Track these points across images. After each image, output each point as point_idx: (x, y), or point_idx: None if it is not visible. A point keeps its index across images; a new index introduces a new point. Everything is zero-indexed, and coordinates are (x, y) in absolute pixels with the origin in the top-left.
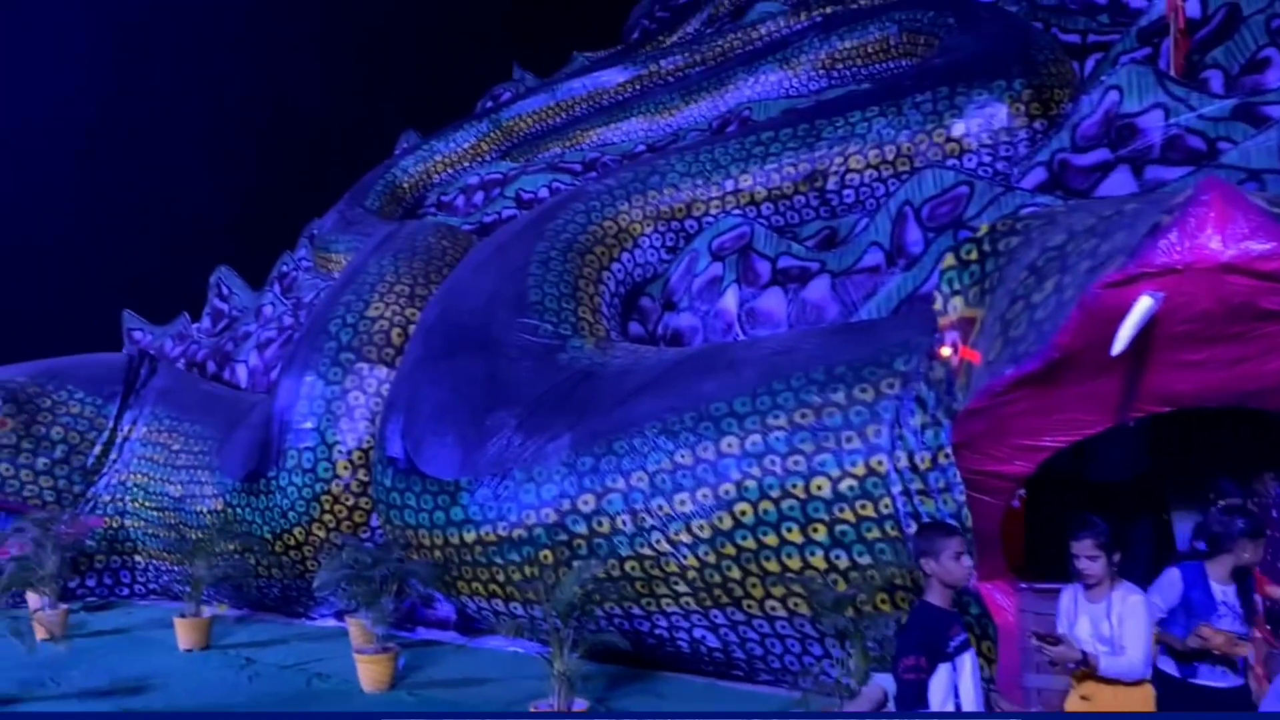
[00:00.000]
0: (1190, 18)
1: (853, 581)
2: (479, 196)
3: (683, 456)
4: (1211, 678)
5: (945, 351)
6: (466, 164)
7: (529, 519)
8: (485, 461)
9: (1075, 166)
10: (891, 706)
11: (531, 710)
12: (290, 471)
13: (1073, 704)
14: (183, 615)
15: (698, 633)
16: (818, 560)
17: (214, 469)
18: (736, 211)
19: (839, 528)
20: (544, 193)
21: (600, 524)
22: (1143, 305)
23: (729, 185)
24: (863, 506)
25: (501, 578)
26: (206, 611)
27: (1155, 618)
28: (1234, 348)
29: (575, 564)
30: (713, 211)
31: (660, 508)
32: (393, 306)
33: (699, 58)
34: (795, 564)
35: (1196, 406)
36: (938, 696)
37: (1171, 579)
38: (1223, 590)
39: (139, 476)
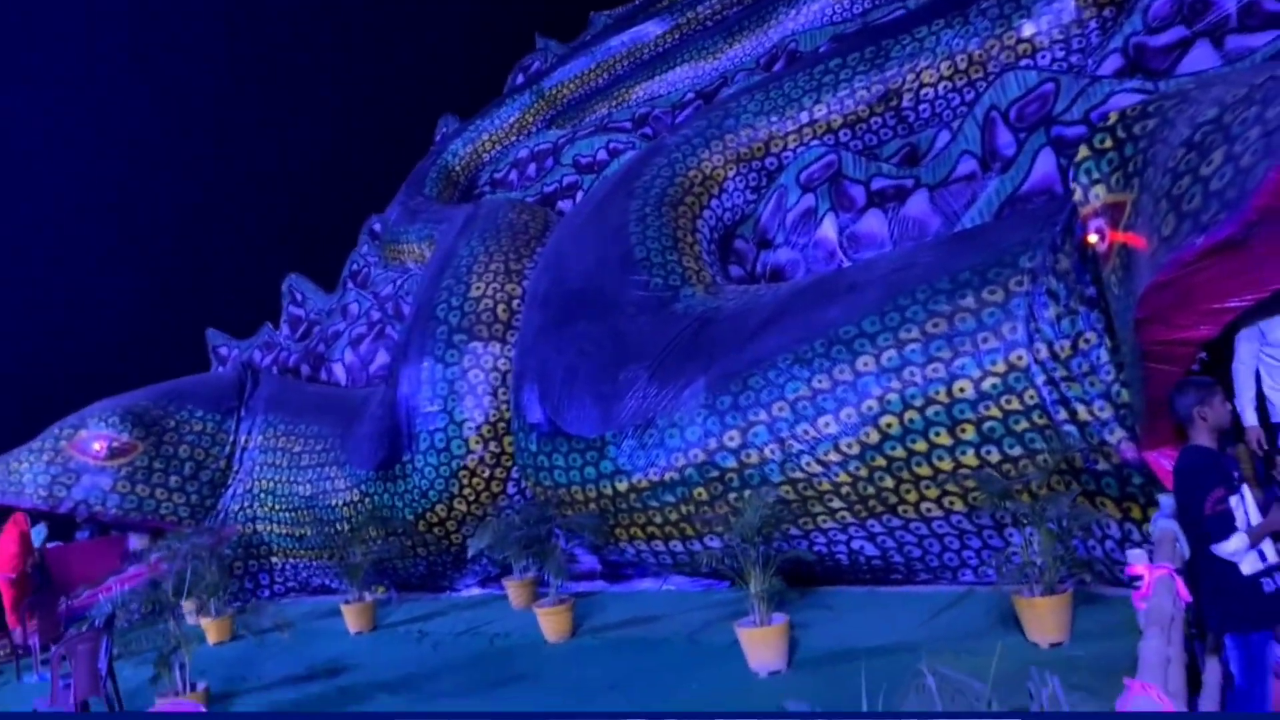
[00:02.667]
0: None
1: (1006, 473)
2: (531, 168)
3: (820, 381)
4: None
5: (1092, 239)
6: (514, 138)
7: (679, 461)
8: (626, 415)
9: (1152, 48)
10: (1182, 545)
11: (736, 628)
12: (425, 453)
13: None
14: (347, 602)
15: (855, 544)
16: (969, 459)
17: (342, 464)
18: (815, 143)
19: (987, 425)
20: (602, 154)
21: (749, 456)
22: None
23: (804, 117)
24: (1008, 401)
25: (659, 519)
26: (368, 596)
27: None
28: None
29: (749, 493)
30: (791, 146)
31: (806, 432)
32: (493, 285)
33: None
34: (947, 465)
35: None
36: (1240, 518)
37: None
38: None
39: (264, 482)
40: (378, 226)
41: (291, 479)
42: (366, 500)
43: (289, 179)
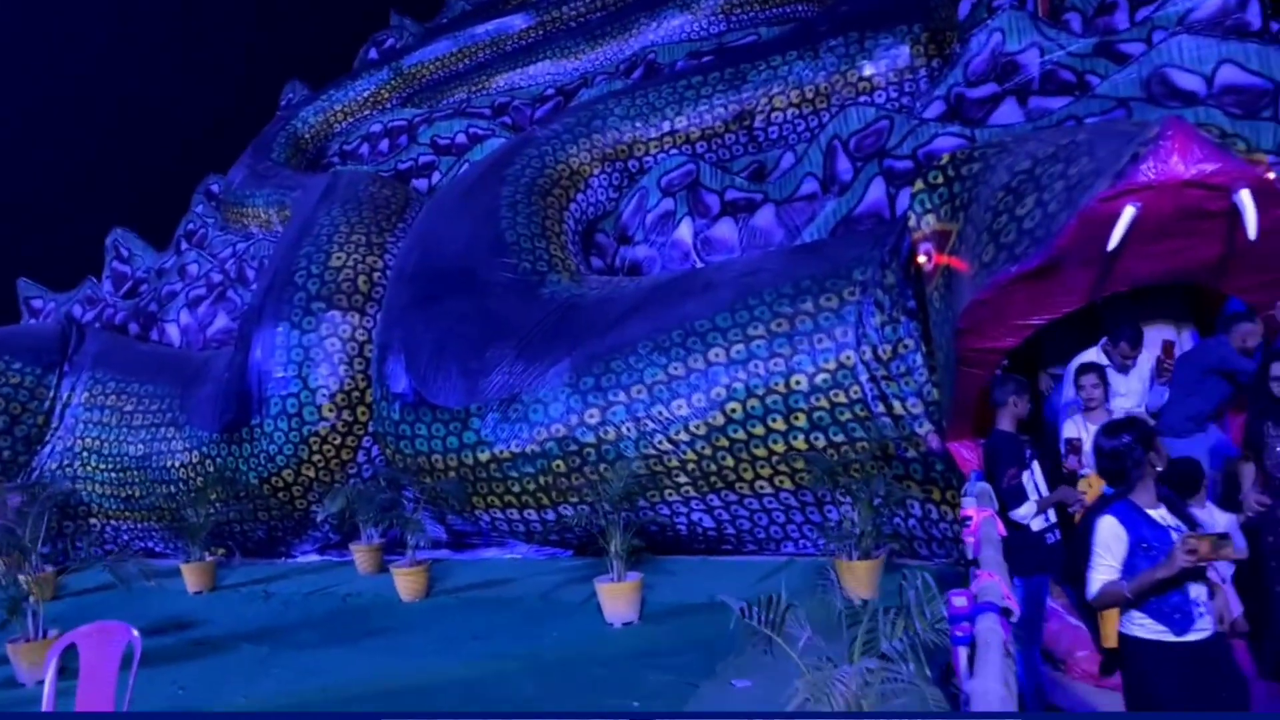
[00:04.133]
0: None
1: (830, 457)
2: (384, 143)
3: (675, 369)
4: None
5: (921, 259)
6: (367, 112)
7: (540, 435)
8: (492, 390)
9: (969, 99)
10: (993, 503)
11: (595, 583)
12: (275, 418)
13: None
14: (187, 561)
15: (695, 516)
16: (800, 443)
17: (181, 425)
18: (674, 151)
19: (817, 414)
20: (461, 138)
21: (607, 433)
22: (1129, 213)
23: (666, 126)
24: (836, 395)
25: (517, 489)
26: (208, 557)
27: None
28: (1180, 241)
29: (604, 466)
30: (652, 151)
31: (660, 413)
32: (354, 256)
33: (599, 3)
34: (781, 448)
35: (1148, 284)
36: (1030, 489)
37: (1111, 528)
38: (1158, 516)
39: (89, 441)
40: (215, 188)
41: (121, 438)
42: (208, 462)
43: (117, 132)
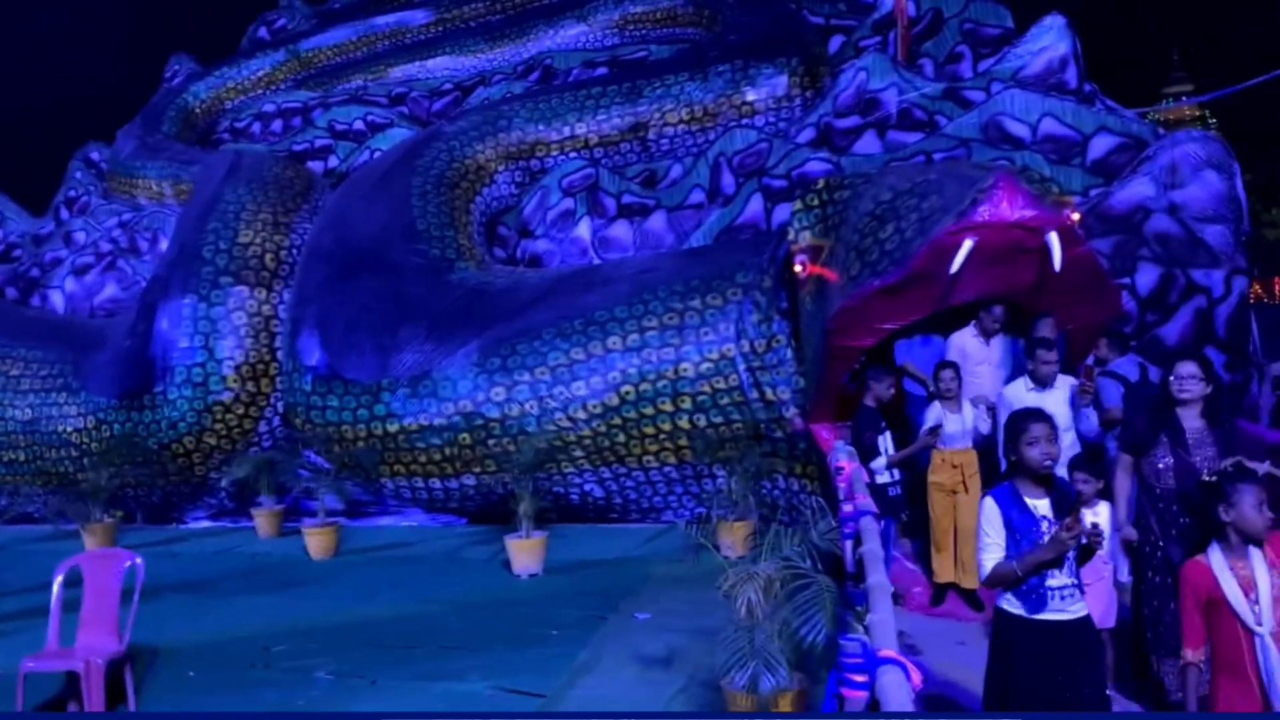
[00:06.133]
0: (910, 16)
1: (710, 436)
2: (277, 124)
3: (576, 353)
4: (1062, 605)
5: (797, 268)
6: (260, 91)
7: (448, 410)
8: (403, 366)
9: (837, 129)
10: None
11: (506, 540)
12: (179, 386)
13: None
14: (87, 521)
15: (588, 487)
16: (684, 423)
17: (75, 390)
18: (573, 154)
19: (700, 398)
20: (359, 124)
21: (511, 409)
22: (968, 245)
23: (567, 131)
24: (717, 382)
25: (424, 459)
26: (107, 518)
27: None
28: (1006, 268)
29: (507, 440)
30: (553, 153)
31: (560, 393)
32: (261, 234)
33: (499, 6)
34: (668, 427)
35: (978, 300)
36: (883, 451)
37: (990, 509)
38: (1035, 505)
39: None
40: (95, 155)
41: (6, 402)
42: (104, 428)
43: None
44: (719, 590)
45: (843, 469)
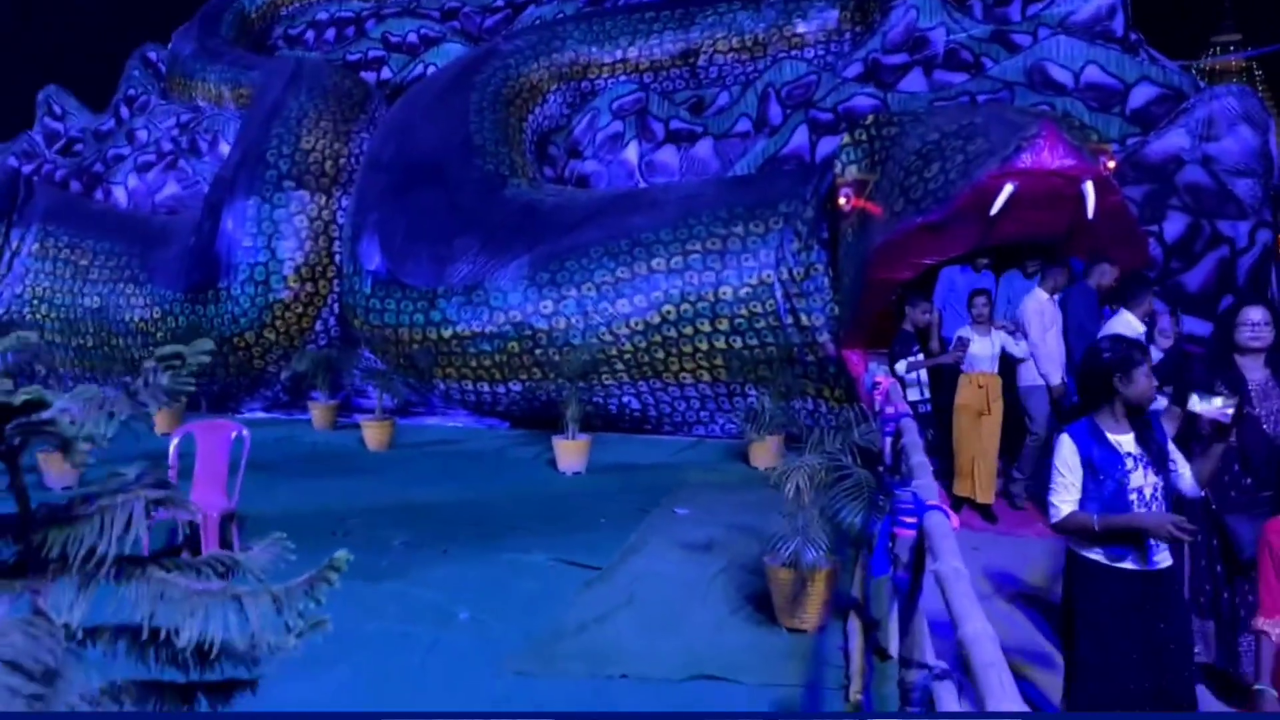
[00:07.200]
0: None
1: (744, 356)
2: (330, 32)
3: (622, 272)
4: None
5: (841, 200)
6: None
7: (499, 319)
8: (458, 275)
9: (884, 65)
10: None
11: (553, 440)
12: (243, 283)
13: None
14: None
15: (625, 399)
16: (721, 343)
17: (142, 283)
18: (623, 77)
19: (737, 320)
20: (412, 38)
21: (558, 322)
22: (1008, 189)
23: (619, 54)
24: (754, 306)
25: (474, 364)
26: (174, 404)
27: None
28: (1043, 212)
29: (553, 350)
30: (604, 75)
31: (605, 309)
32: (321, 141)
33: None
34: (705, 346)
35: (1014, 242)
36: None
37: (1067, 446)
38: (1119, 441)
39: (38, 290)
40: (153, 55)
41: (75, 290)
42: (170, 319)
43: None
44: (770, 481)
45: (879, 383)
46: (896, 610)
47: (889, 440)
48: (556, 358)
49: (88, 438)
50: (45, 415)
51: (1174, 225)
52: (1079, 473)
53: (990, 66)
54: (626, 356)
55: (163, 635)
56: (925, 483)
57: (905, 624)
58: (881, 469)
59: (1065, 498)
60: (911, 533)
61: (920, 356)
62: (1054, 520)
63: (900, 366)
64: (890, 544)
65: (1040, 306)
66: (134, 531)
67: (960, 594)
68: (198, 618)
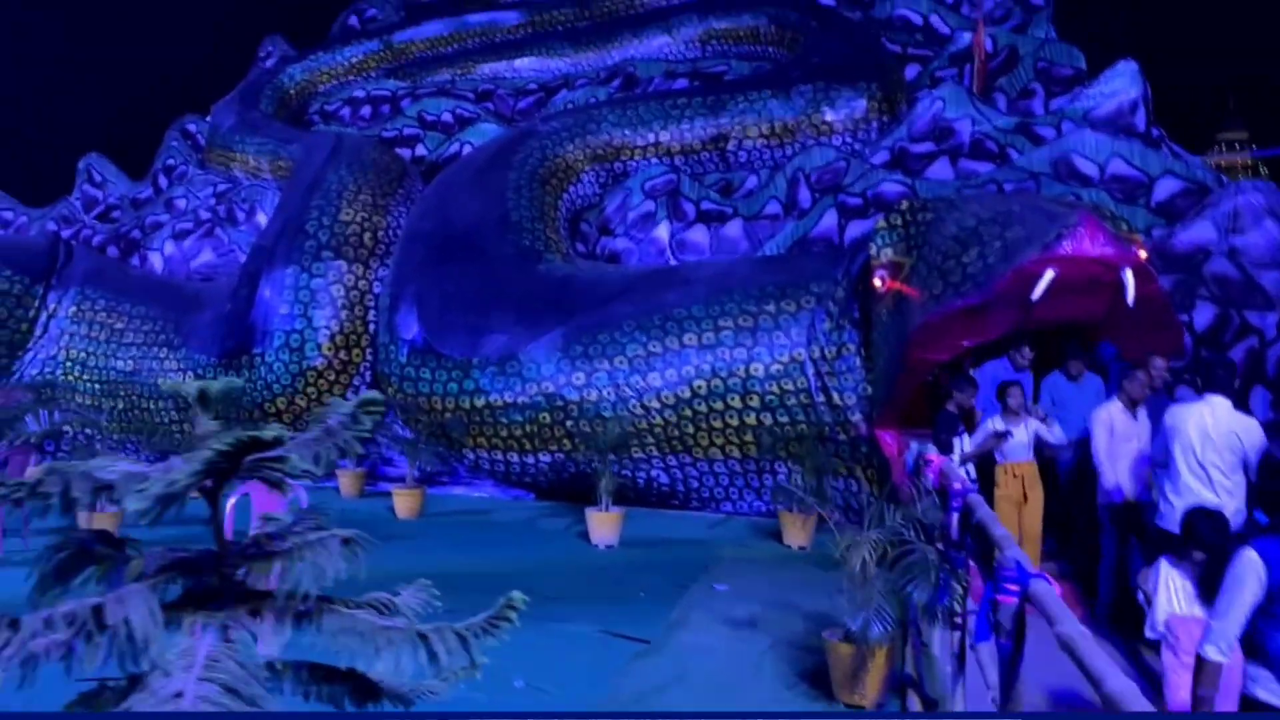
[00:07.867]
0: (987, 51)
1: (775, 434)
2: (366, 110)
3: (654, 346)
4: None
5: (876, 282)
6: (351, 78)
7: (531, 390)
8: (493, 346)
9: (911, 153)
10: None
11: (586, 511)
12: (278, 350)
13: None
14: None
15: (654, 473)
16: (751, 420)
17: (176, 347)
18: (655, 160)
19: (768, 397)
20: (447, 117)
21: (589, 394)
22: (1049, 275)
23: (651, 138)
24: (786, 383)
25: (505, 434)
26: None
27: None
28: (1081, 298)
29: (584, 423)
30: (636, 158)
31: (637, 382)
32: (360, 213)
33: (587, 13)
34: (735, 422)
35: (1052, 326)
36: (958, 450)
37: (1251, 564)
38: None
39: (74, 352)
40: (192, 126)
41: (109, 353)
42: None
43: (92, 64)
44: (835, 554)
45: (931, 461)
46: (998, 677)
47: (955, 517)
48: (587, 429)
49: (305, 473)
50: (277, 452)
51: (1203, 314)
52: (1254, 594)
53: (1016, 157)
54: (657, 430)
55: (344, 668)
56: (1015, 553)
57: (1007, 690)
58: (941, 545)
59: (1231, 624)
60: (1014, 600)
61: (964, 439)
62: (1206, 640)
63: (955, 459)
64: (991, 612)
65: (1111, 420)
66: (334, 567)
67: (1094, 653)
68: (389, 652)
